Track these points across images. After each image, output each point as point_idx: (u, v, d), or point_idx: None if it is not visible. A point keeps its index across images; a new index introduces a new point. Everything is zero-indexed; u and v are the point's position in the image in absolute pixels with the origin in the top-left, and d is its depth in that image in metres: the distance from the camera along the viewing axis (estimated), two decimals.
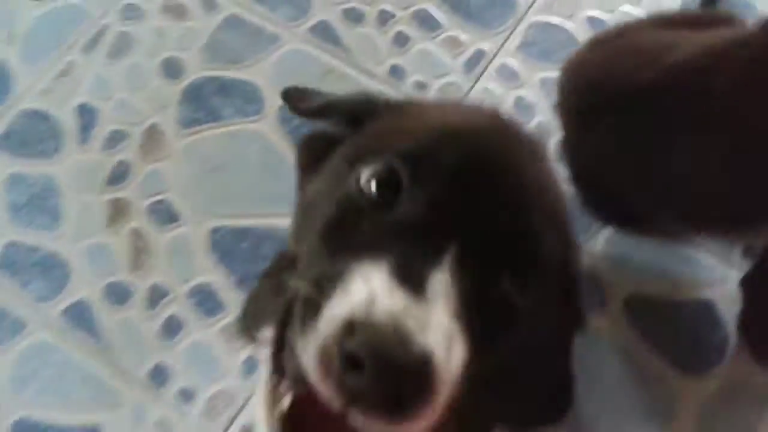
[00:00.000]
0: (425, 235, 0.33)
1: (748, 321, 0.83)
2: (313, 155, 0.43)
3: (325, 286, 0.32)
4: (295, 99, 0.45)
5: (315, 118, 0.44)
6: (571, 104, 0.79)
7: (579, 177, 0.80)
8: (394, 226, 0.34)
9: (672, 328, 0.85)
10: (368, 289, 0.30)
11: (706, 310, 0.86)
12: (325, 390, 0.30)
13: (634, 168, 0.73)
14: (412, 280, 0.31)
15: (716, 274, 0.87)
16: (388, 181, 0.36)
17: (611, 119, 0.72)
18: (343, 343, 0.29)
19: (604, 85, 0.73)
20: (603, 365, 0.82)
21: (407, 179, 0.35)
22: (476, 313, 0.33)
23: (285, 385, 0.36)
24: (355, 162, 0.37)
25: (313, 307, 0.31)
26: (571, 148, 0.80)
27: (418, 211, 0.34)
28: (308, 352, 0.30)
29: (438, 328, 0.30)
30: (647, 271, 0.88)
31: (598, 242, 0.90)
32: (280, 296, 0.37)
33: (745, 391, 0.81)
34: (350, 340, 0.29)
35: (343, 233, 0.36)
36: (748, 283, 0.82)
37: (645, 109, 0.69)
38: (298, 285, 0.34)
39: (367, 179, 0.36)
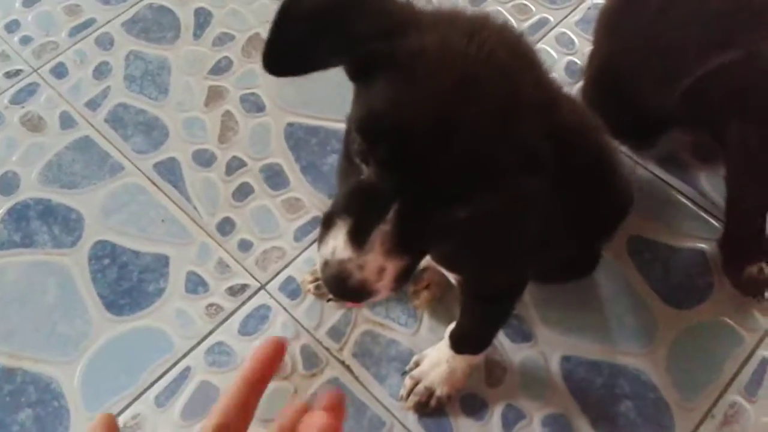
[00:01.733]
0: (376, 197, 0.50)
1: (724, 239, 0.95)
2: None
3: (325, 227, 0.53)
4: None
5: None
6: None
7: (599, 83, 0.96)
8: (362, 185, 0.51)
9: (664, 268, 0.97)
10: (334, 244, 0.51)
11: (697, 258, 0.97)
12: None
13: (647, 48, 0.88)
14: (359, 237, 0.50)
15: (713, 231, 0.99)
16: (363, 150, 0.52)
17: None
18: (321, 272, 0.52)
19: None
20: (600, 285, 0.95)
21: (371, 152, 0.50)
22: (422, 234, 0.51)
23: None
24: (354, 126, 0.52)
25: (322, 235, 0.54)
26: (598, 57, 0.96)
27: (373, 176, 0.50)
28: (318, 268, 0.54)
29: (370, 266, 0.50)
30: (651, 218, 1.00)
31: None
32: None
33: (717, 330, 0.92)
34: (325, 270, 0.52)
35: (346, 178, 0.53)
36: (728, 205, 0.94)
37: None
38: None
39: (355, 144, 0.51)
